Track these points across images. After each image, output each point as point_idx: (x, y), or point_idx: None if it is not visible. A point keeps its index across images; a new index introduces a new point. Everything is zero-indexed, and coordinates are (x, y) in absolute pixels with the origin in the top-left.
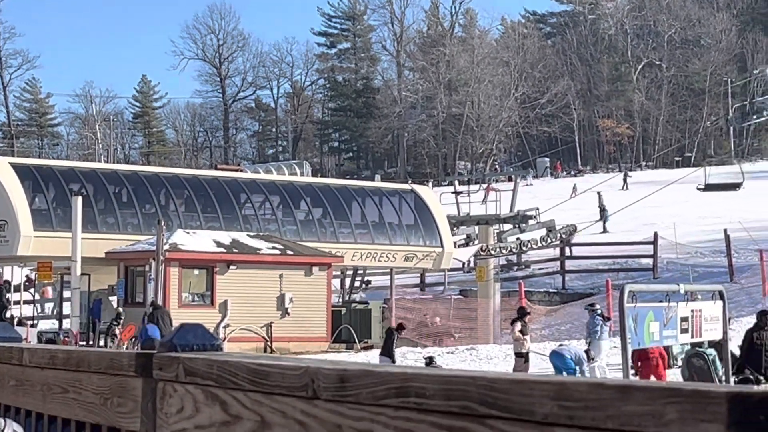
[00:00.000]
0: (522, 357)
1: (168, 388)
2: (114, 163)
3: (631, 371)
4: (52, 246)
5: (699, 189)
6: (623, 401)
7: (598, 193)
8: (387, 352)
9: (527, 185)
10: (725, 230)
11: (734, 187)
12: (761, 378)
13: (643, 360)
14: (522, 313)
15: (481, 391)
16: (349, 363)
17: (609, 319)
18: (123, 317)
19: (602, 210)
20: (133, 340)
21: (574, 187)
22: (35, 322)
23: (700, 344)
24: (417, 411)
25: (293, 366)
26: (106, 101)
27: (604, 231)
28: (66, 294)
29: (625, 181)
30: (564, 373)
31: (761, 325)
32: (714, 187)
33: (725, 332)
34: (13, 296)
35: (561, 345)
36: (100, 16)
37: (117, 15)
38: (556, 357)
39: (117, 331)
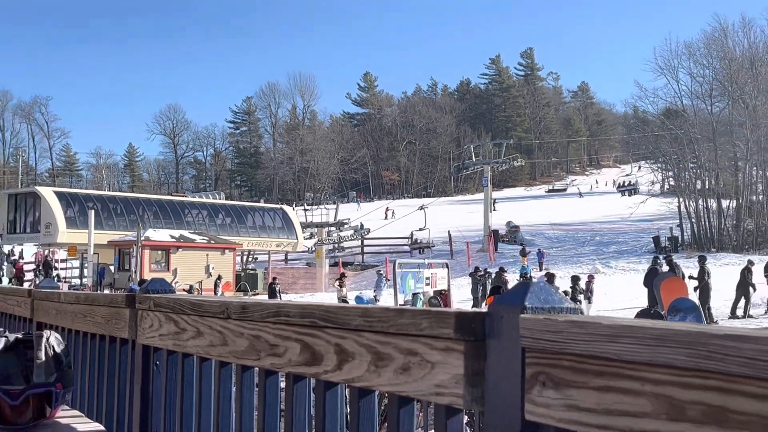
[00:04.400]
0: (342, 300)
1: (143, 314)
2: (113, 191)
3: None
4: (77, 237)
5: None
6: (399, 317)
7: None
8: (272, 296)
9: (357, 205)
10: (449, 232)
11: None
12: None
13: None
14: (342, 276)
15: (322, 313)
16: (247, 299)
17: (388, 279)
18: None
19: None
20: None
21: (388, 209)
22: (68, 280)
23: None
24: (286, 324)
25: (216, 301)
26: (108, 156)
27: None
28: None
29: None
30: None
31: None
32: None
33: (449, 285)
34: (59, 265)
35: (360, 293)
36: (107, 100)
37: (111, 103)
38: (357, 299)
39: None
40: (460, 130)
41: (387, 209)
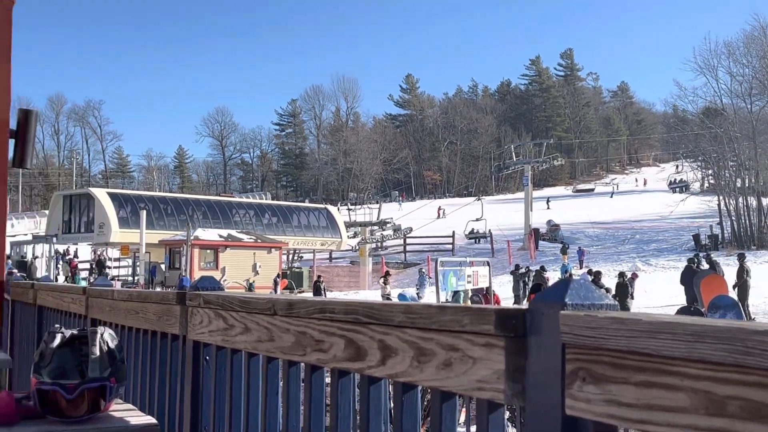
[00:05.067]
0: (386, 297)
1: (194, 310)
2: (163, 192)
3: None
4: (129, 237)
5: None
6: (441, 314)
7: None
8: (317, 294)
9: (398, 205)
10: (490, 230)
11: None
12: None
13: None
14: (386, 274)
15: (365, 309)
16: (293, 296)
17: (431, 278)
18: (280, 277)
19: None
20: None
21: (440, 208)
22: (120, 278)
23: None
24: (330, 321)
25: (263, 298)
26: (159, 158)
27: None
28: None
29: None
30: None
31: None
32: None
33: (490, 283)
34: (113, 264)
35: (403, 291)
36: (157, 103)
37: (158, 110)
38: (400, 297)
39: (277, 285)
40: (501, 130)
41: (440, 208)
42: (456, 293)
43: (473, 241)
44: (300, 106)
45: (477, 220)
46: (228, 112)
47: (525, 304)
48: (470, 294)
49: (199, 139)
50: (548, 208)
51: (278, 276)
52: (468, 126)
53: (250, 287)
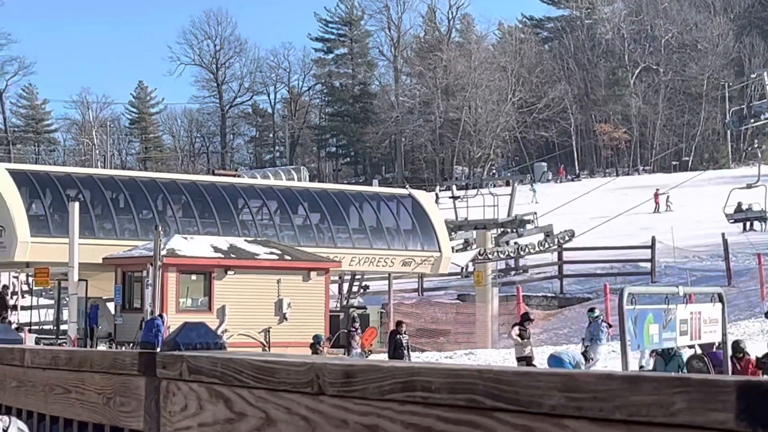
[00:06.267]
0: (524, 360)
1: (172, 387)
2: (111, 168)
3: None
4: (50, 252)
5: (729, 221)
6: (631, 391)
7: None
8: (396, 355)
9: (532, 189)
10: (723, 234)
11: (762, 219)
12: None
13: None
14: (524, 318)
15: (488, 384)
16: (355, 359)
17: (611, 326)
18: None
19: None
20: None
21: (658, 194)
22: (34, 327)
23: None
24: (423, 405)
25: (299, 362)
26: (103, 107)
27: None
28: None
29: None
30: None
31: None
32: (740, 219)
33: (724, 334)
34: (15, 301)
35: (558, 352)
36: (96, 22)
37: (113, 21)
38: (554, 360)
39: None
40: (742, 43)
41: (657, 194)
42: (661, 353)
43: (741, 227)
44: (362, 5)
45: (749, 186)
46: (228, 18)
47: None
48: (690, 356)
49: (176, 69)
50: None
51: (354, 321)
52: (680, 38)
53: (267, 344)
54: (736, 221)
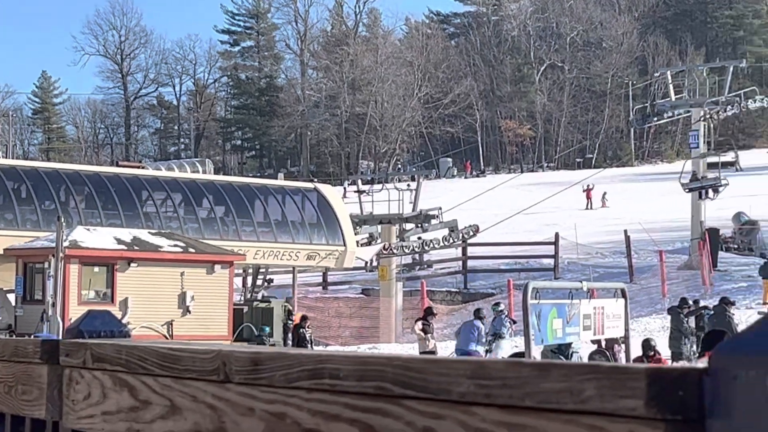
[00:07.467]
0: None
1: (75, 375)
2: (12, 158)
3: None
4: None
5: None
6: (542, 378)
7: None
8: (300, 347)
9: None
10: (625, 231)
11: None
12: None
13: None
14: (427, 313)
15: (397, 371)
16: (260, 349)
17: (515, 321)
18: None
19: None
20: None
21: (589, 189)
22: None
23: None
24: (331, 393)
25: (205, 350)
26: (5, 96)
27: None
28: None
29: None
30: None
31: None
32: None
33: (627, 329)
34: None
35: (464, 345)
36: None
37: (16, 9)
38: (458, 354)
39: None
40: (647, 42)
41: (588, 189)
42: (561, 348)
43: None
44: None
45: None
46: (134, 9)
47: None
48: (591, 351)
49: (80, 59)
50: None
51: (289, 314)
52: (584, 36)
53: (170, 337)
54: (691, 190)
